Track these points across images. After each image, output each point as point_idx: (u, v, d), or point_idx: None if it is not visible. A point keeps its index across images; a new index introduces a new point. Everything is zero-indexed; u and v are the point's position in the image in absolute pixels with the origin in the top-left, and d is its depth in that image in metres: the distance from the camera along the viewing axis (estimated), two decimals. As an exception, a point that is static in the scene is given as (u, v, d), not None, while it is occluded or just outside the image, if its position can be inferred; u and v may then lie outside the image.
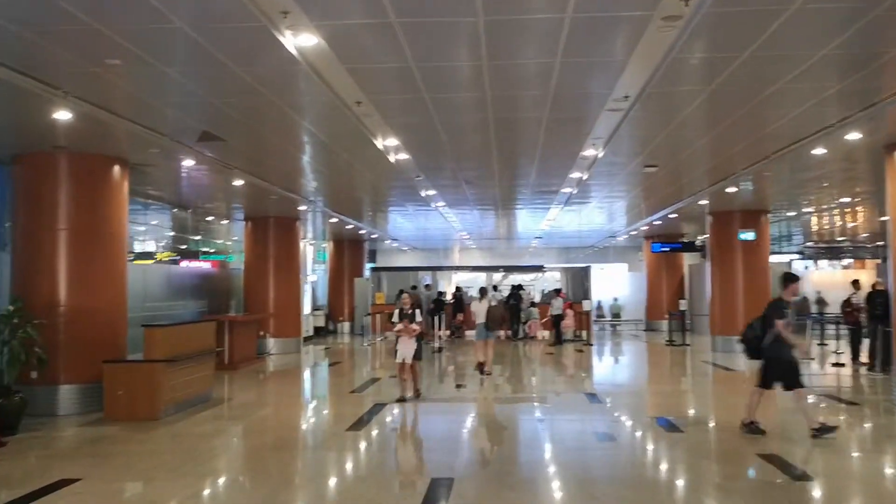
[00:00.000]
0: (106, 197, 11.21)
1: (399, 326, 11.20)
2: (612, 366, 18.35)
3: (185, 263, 19.01)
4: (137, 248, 28.56)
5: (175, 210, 17.95)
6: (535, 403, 11.85)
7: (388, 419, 10.17)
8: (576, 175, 14.07)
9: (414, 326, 11.14)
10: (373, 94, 8.54)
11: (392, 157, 11.94)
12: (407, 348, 11.11)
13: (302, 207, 17.74)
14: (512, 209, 20.62)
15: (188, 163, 11.86)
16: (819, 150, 11.34)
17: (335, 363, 18.30)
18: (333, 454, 8.20)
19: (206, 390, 11.63)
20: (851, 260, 34.78)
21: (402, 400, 10.97)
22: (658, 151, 11.72)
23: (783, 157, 11.81)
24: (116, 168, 11.37)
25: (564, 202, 18.28)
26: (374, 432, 9.24)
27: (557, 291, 23.38)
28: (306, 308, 23.55)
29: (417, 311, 11.23)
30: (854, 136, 10.10)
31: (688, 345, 20.74)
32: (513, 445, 8.68)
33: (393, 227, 26.04)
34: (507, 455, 8.08)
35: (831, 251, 34.14)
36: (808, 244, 32.87)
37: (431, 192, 16.34)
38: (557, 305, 21.81)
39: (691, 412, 10.93)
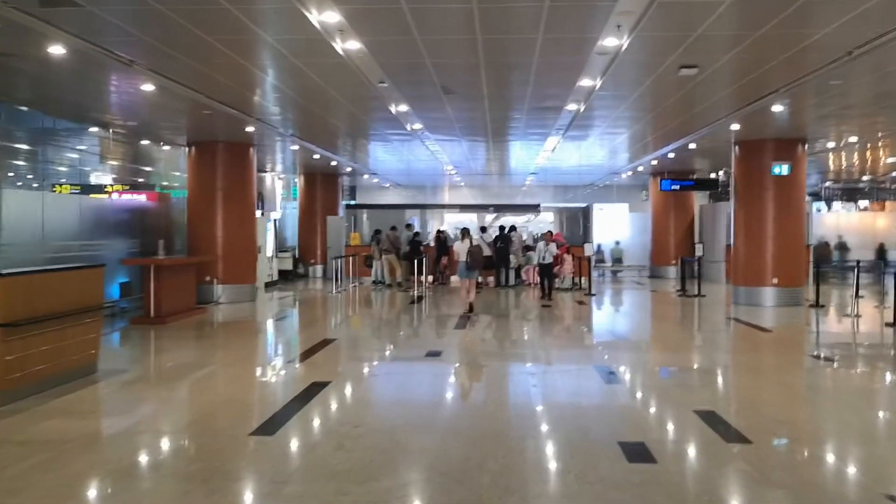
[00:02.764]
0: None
1: None
2: (621, 323, 15.04)
3: (115, 196, 15.66)
4: (93, 180, 25.17)
5: (92, 130, 14.47)
6: (530, 386, 8.69)
7: (320, 412, 7.01)
8: (587, 83, 10.66)
9: None
10: None
11: (339, 47, 8.52)
12: None
13: (250, 129, 14.30)
14: (505, 138, 17.23)
15: (57, 51, 8.39)
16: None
17: (290, 316, 15.13)
18: (203, 492, 4.99)
19: (89, 361, 8.43)
20: (867, 202, 31.63)
21: None
22: (705, 42, 8.30)
23: (869, 55, 8.48)
24: (-50, 54, 7.97)
25: (567, 126, 14.88)
26: (290, 443, 6.06)
27: (550, 234, 19.10)
28: (268, 249, 20.29)
29: None
30: None
31: (702, 295, 17.64)
32: (505, 469, 5.49)
33: (373, 161, 22.63)
34: (495, 490, 4.91)
35: (849, 192, 30.91)
36: (826, 184, 29.57)
37: (404, 109, 12.90)
38: (545, 251, 17.61)
39: (750, 404, 7.74)
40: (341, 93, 11.46)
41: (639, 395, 7.92)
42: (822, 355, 10.33)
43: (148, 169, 22.32)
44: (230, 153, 16.35)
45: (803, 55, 8.84)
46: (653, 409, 7.30)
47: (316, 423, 6.65)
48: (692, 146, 16.88)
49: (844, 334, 12.35)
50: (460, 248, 14.16)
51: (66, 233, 12.67)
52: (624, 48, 8.55)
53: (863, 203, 31.83)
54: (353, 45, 8.52)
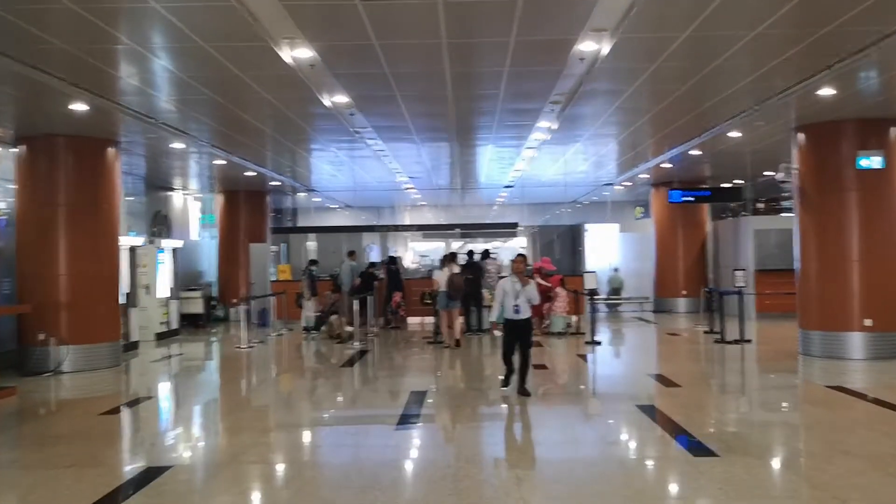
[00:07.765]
0: None
1: None
2: (659, 400, 9.28)
3: None
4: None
5: None
6: None
7: None
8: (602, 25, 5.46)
9: None
10: None
11: None
12: None
13: (81, 106, 8.87)
14: (473, 124, 12.07)
15: None
16: None
17: (131, 402, 9.25)
18: None
19: None
20: None
21: None
22: None
23: None
24: None
25: (562, 106, 9.75)
26: None
27: (522, 262, 8.89)
28: (163, 289, 14.75)
29: None
30: None
31: (746, 340, 12.49)
32: None
33: (313, 176, 17.40)
34: None
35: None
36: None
37: (307, 56, 7.56)
38: (517, 297, 8.24)
39: None
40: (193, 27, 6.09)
41: None
42: None
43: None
44: (78, 153, 10.93)
45: None
46: None
47: None
48: (734, 135, 11.80)
49: None
50: (440, 278, 12.86)
51: None
52: None
53: None
54: None
